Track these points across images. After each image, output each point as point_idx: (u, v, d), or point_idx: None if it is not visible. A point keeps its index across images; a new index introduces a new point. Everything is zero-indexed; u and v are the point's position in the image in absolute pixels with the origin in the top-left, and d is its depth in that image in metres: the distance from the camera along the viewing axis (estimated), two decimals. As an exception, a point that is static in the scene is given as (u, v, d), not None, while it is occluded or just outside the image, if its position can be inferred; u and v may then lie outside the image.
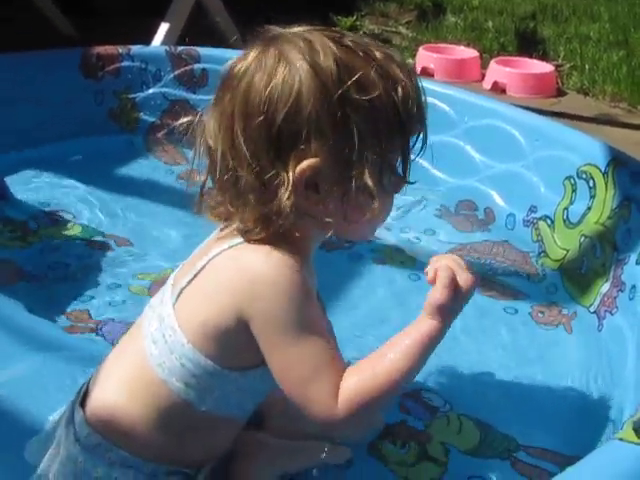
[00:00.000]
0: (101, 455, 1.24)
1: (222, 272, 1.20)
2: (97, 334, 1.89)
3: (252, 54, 1.17)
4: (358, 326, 1.95)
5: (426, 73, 4.52)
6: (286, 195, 1.13)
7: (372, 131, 1.14)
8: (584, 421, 1.71)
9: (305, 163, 1.13)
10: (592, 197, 2.24)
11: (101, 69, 3.08)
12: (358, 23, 5.44)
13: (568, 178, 2.35)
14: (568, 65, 4.68)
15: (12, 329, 1.78)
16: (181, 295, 1.24)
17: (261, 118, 1.12)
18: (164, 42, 3.81)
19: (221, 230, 1.26)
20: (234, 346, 1.21)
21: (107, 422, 1.26)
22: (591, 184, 2.26)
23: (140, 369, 1.25)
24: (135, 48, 3.15)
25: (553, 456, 1.59)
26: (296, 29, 1.20)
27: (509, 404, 1.74)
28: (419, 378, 1.66)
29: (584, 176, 2.30)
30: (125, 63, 3.11)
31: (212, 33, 4.28)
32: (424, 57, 4.61)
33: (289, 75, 1.12)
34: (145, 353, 1.24)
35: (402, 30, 5.41)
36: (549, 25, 5.38)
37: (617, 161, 2.23)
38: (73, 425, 1.29)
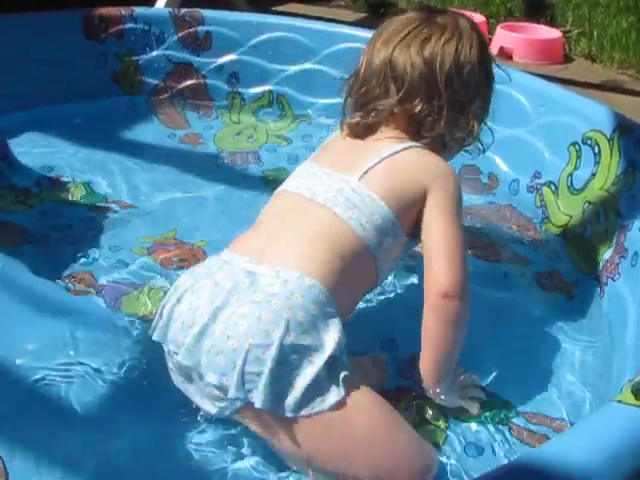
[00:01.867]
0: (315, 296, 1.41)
1: (414, 159, 1.63)
2: (100, 296, 1.89)
3: (446, 25, 1.67)
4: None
5: (432, 38, 4.47)
6: (477, 125, 1.69)
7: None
8: (584, 387, 1.72)
9: (478, 102, 1.70)
10: (597, 163, 2.23)
11: (104, 31, 3.05)
12: (364, -13, 5.38)
13: (573, 144, 2.34)
14: (576, 31, 4.62)
15: (16, 291, 1.79)
16: (367, 174, 1.58)
17: (468, 70, 1.65)
18: (167, 4, 3.77)
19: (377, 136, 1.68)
20: (412, 213, 1.59)
21: (314, 267, 1.45)
22: (596, 150, 2.25)
23: (338, 229, 1.52)
24: (138, 10, 3.12)
25: (552, 422, 1.61)
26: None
27: (508, 370, 1.74)
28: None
29: (589, 142, 2.28)
30: (128, 25, 3.08)
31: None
32: (430, 22, 4.55)
33: (475, 45, 1.68)
34: (338, 216, 1.53)
35: (409, -5, 5.35)
36: (557, -10, 5.30)
37: (623, 127, 2.21)
38: (255, 279, 1.42)
